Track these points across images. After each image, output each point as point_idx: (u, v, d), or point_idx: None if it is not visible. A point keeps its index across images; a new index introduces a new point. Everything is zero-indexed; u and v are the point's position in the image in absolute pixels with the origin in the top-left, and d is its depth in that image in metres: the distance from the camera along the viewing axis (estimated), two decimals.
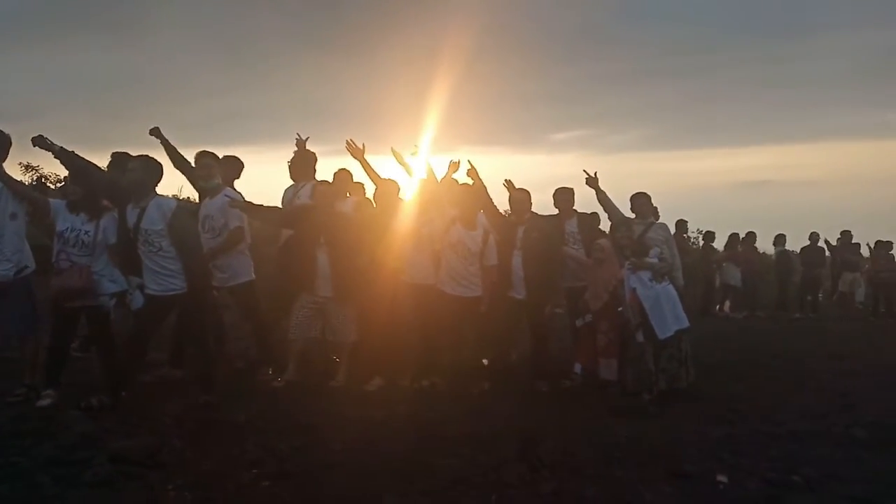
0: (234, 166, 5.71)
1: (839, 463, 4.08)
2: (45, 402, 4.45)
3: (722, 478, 3.76)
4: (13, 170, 5.32)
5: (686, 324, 5.62)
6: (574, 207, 6.38)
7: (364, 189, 6.21)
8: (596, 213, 6.67)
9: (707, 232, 13.50)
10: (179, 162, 5.44)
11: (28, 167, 12.55)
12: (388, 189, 5.68)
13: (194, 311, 4.76)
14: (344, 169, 5.79)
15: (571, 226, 6.24)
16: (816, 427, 4.82)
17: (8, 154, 4.62)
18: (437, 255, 5.63)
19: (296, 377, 5.39)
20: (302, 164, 5.87)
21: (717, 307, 12.84)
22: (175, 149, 5.43)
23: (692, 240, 14.73)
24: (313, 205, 5.51)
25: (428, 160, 5.78)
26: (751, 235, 13.38)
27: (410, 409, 4.82)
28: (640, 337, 5.45)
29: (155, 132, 5.38)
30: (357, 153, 5.63)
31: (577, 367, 6.01)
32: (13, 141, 4.68)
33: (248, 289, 5.49)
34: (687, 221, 12.13)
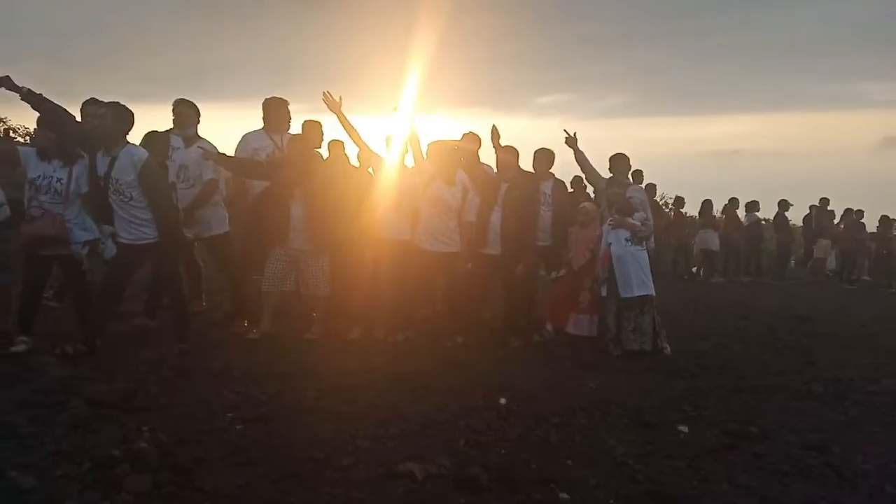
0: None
1: (795, 413, 4.27)
2: (19, 348, 4.47)
3: (683, 428, 3.91)
4: None
5: (650, 291, 5.73)
6: (551, 171, 6.42)
7: (343, 146, 6.17)
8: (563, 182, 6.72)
9: (677, 197, 13.74)
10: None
11: None
12: (371, 154, 5.69)
13: (166, 261, 4.78)
14: (313, 120, 5.72)
15: (546, 188, 6.29)
16: (777, 382, 5.01)
17: None
18: (415, 212, 5.68)
19: (271, 329, 5.44)
20: (281, 115, 5.79)
21: (695, 269, 13.06)
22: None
23: (667, 205, 14.93)
24: (287, 157, 5.48)
25: (411, 117, 5.75)
26: (733, 202, 13.48)
27: (385, 361, 4.91)
28: (603, 291, 5.61)
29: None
30: (334, 106, 5.58)
31: (549, 326, 6.17)
32: None
33: (223, 240, 5.51)
34: (655, 185, 12.26)
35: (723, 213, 13.51)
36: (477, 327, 5.89)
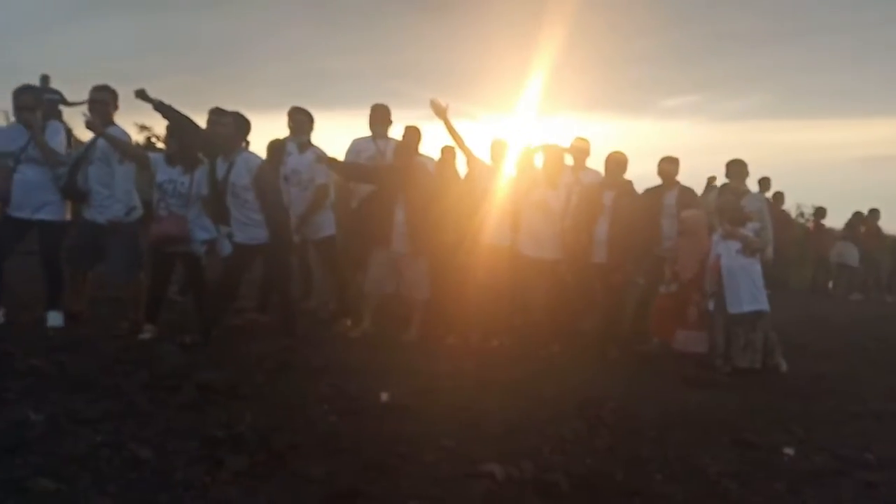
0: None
1: None
2: (145, 335, 4.92)
3: (788, 450, 3.66)
4: (129, 129, 5.77)
5: (763, 307, 5.38)
6: (677, 179, 6.20)
7: (454, 152, 6.27)
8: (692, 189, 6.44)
9: (818, 208, 12.72)
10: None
11: (142, 127, 13.53)
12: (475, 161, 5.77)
13: (277, 261, 5.11)
14: (413, 125, 5.87)
15: (670, 198, 6.05)
16: None
17: (117, 107, 5.05)
18: (516, 217, 5.68)
19: (371, 329, 5.63)
20: (384, 119, 5.99)
21: (831, 285, 12.12)
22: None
23: (805, 216, 13.98)
24: (392, 162, 5.67)
25: (514, 124, 5.80)
26: (874, 213, 12.24)
27: (477, 366, 4.95)
28: (710, 305, 5.33)
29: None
30: (441, 112, 5.66)
31: (655, 339, 5.95)
32: (124, 101, 5.13)
33: (330, 242, 5.77)
34: (783, 193, 11.46)
35: (862, 224, 12.38)
36: (575, 336, 5.79)
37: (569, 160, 6.01)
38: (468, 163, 5.88)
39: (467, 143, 5.76)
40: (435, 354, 5.21)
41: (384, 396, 4.01)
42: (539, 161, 5.85)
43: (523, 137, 5.83)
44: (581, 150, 6.14)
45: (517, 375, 4.76)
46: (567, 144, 6.08)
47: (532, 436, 3.63)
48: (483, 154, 5.88)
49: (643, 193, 6.08)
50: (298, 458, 3.09)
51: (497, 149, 5.87)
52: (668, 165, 6.11)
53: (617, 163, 5.76)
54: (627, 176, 5.86)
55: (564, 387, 4.55)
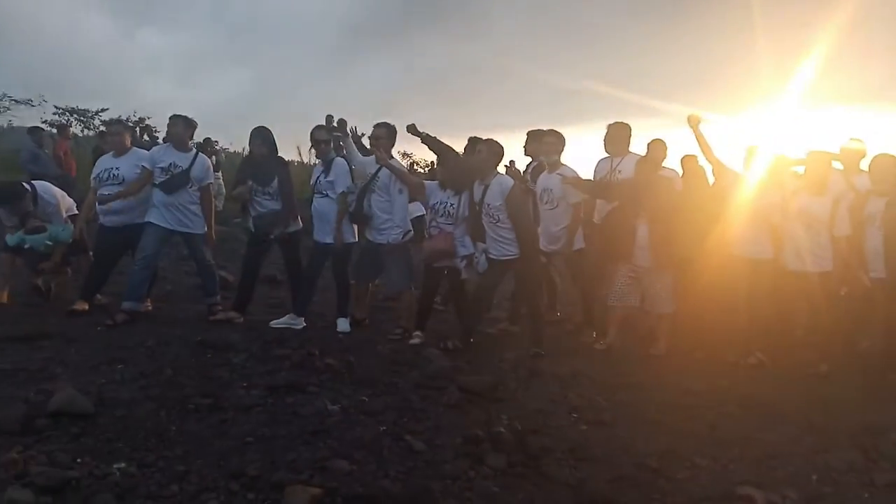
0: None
1: None
2: (415, 341, 5.55)
3: None
4: (396, 156, 6.57)
5: None
6: None
7: (696, 160, 6.10)
8: None
9: None
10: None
11: (404, 154, 15.13)
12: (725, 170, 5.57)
13: (526, 275, 5.46)
14: (658, 139, 5.79)
15: None
16: None
17: (395, 142, 5.84)
18: (776, 229, 5.34)
19: (616, 342, 5.69)
20: (618, 138, 6.03)
21: None
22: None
23: None
24: (636, 178, 5.68)
25: (769, 125, 5.46)
26: None
27: (732, 384, 4.75)
28: None
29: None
30: (693, 122, 5.51)
31: None
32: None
33: (579, 256, 5.98)
34: None
35: None
36: (848, 357, 5.22)
37: (837, 164, 5.47)
38: (716, 172, 5.67)
39: (715, 153, 5.55)
40: (685, 369, 5.11)
41: None
42: (801, 167, 5.41)
43: (780, 141, 5.43)
44: (856, 153, 5.54)
45: (778, 396, 4.48)
46: (837, 145, 5.53)
47: (797, 463, 3.43)
48: (735, 162, 5.63)
49: None
50: (551, 462, 3.30)
51: (751, 155, 5.56)
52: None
53: (882, 169, 5.09)
54: None
55: (835, 412, 4.18)
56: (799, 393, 4.60)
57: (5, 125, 16.84)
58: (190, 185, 5.86)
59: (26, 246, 5.92)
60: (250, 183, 5.94)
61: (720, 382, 4.76)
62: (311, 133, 5.99)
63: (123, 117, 19.91)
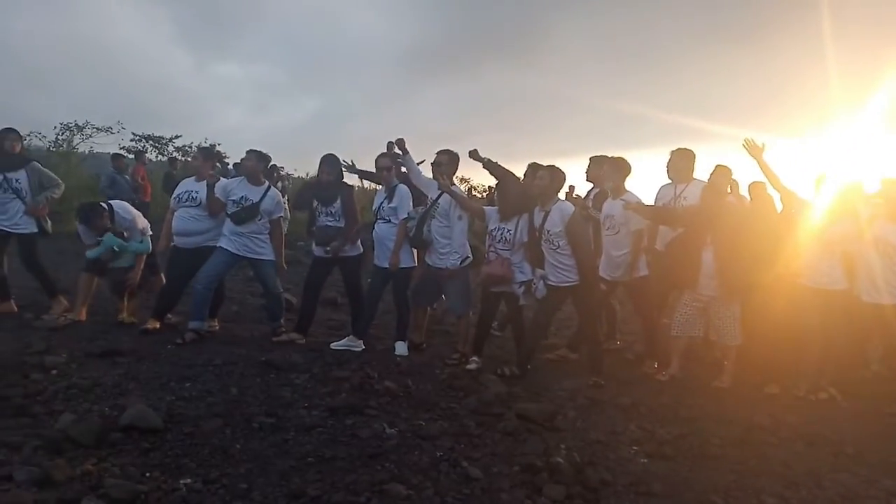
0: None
1: None
2: (472, 366, 5.55)
3: None
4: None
5: None
6: None
7: (764, 187, 5.97)
8: None
9: None
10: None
11: (462, 179, 15.29)
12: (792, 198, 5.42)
13: (585, 302, 5.40)
14: (722, 165, 5.66)
15: None
16: None
17: (457, 169, 5.92)
18: (850, 258, 5.15)
19: (678, 373, 5.54)
20: (681, 165, 5.94)
21: None
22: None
23: None
24: (701, 205, 5.57)
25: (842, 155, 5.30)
26: None
27: (801, 420, 4.55)
28: None
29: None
30: (755, 152, 5.43)
31: None
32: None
33: (641, 283, 5.87)
34: None
35: None
36: None
37: None
38: (784, 200, 5.51)
39: (783, 181, 5.40)
40: (751, 403, 4.93)
41: None
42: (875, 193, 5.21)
43: (851, 167, 5.24)
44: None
45: (851, 434, 4.27)
46: None
47: None
48: (801, 187, 5.46)
49: None
50: (612, 496, 3.24)
51: (821, 183, 5.39)
52: None
53: None
54: None
55: None
56: (874, 432, 4.38)
57: (87, 151, 17.88)
58: (259, 217, 6.10)
59: (102, 253, 6.24)
60: (315, 203, 6.13)
61: (788, 418, 4.58)
62: (376, 161, 6.15)
63: (195, 144, 20.92)
